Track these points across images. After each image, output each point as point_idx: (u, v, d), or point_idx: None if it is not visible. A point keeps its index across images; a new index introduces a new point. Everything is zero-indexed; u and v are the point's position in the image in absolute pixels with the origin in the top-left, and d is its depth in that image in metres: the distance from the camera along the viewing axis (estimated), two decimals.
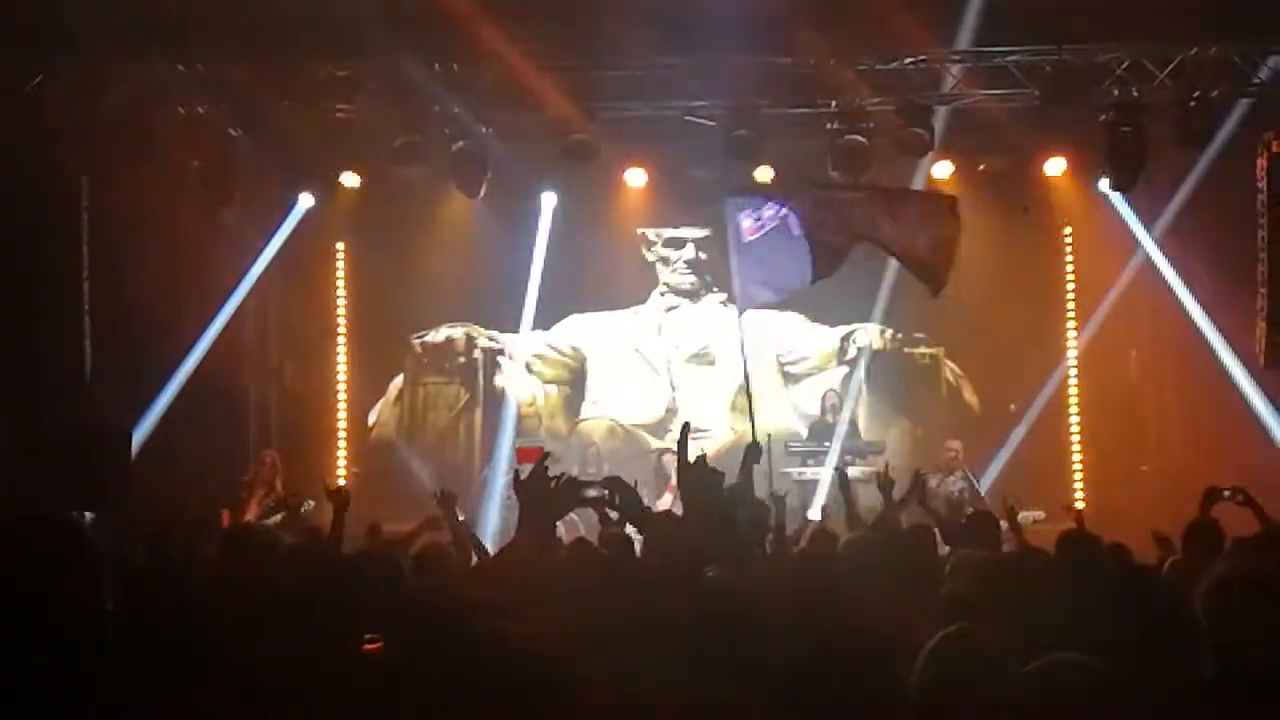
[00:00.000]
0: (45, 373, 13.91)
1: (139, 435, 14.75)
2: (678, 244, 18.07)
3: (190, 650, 4.20)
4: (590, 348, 18.09)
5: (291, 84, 14.39)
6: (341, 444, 17.16)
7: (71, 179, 14.21)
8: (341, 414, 17.42)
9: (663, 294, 18.20)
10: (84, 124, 14.17)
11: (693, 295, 18.19)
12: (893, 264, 16.60)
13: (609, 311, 18.04)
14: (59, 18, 13.13)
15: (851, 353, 17.71)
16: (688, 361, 17.92)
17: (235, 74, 14.11)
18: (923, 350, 17.50)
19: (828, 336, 17.82)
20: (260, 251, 16.46)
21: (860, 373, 17.53)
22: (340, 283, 17.56)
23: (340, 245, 17.48)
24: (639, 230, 17.95)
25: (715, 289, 17.94)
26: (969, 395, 17.16)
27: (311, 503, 14.17)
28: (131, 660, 3.28)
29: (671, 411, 17.49)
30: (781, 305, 17.34)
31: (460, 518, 8.63)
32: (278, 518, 13.84)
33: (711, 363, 17.90)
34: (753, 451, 7.99)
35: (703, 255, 17.97)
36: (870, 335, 17.71)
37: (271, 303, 16.96)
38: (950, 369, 17.33)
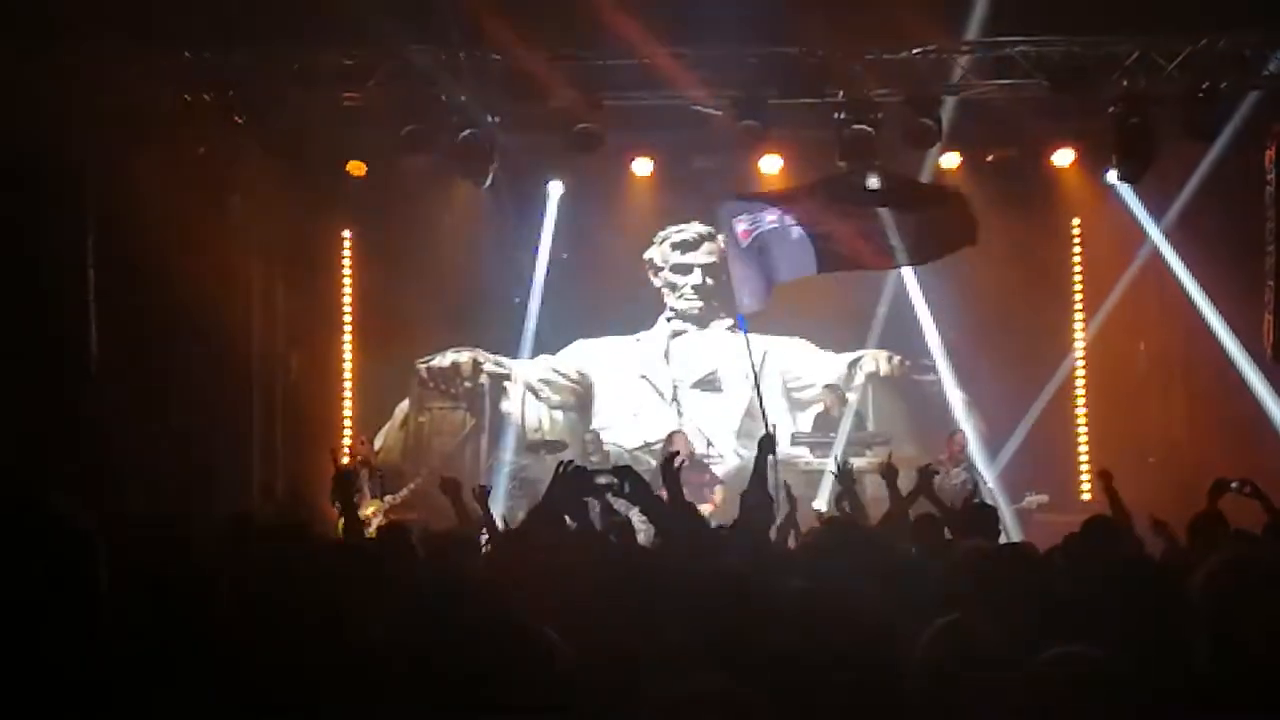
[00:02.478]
0: (50, 362, 13.91)
1: (144, 424, 14.75)
2: (684, 270, 17.98)
3: (191, 638, 4.18)
4: (597, 373, 17.99)
5: (298, 72, 14.39)
6: (347, 434, 17.14)
7: (76, 167, 14.19)
8: (347, 403, 17.41)
9: (669, 319, 18.14)
10: (89, 111, 14.15)
11: (699, 321, 18.11)
12: (890, 286, 16.69)
13: (616, 337, 17.99)
14: (64, 4, 13.11)
15: (859, 379, 17.58)
16: (694, 387, 17.85)
17: (241, 61, 14.10)
18: (930, 378, 17.41)
19: (834, 363, 17.71)
20: (266, 240, 16.45)
21: (868, 399, 17.42)
22: (346, 271, 17.55)
23: (346, 234, 17.47)
24: (645, 256, 17.91)
25: (722, 315, 17.85)
26: (978, 421, 17.01)
27: (419, 479, 14.53)
28: (126, 647, 3.26)
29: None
30: (787, 331, 17.36)
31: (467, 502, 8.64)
32: (395, 497, 14.26)
33: (719, 389, 17.80)
34: (766, 444, 8.03)
35: (709, 281, 17.88)
36: (877, 361, 17.63)
37: (277, 291, 16.93)
38: (959, 395, 17.23)
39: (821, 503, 14.57)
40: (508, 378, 17.75)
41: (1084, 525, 7.15)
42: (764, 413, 10.61)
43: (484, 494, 8.73)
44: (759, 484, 7.87)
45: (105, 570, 2.86)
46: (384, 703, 3.77)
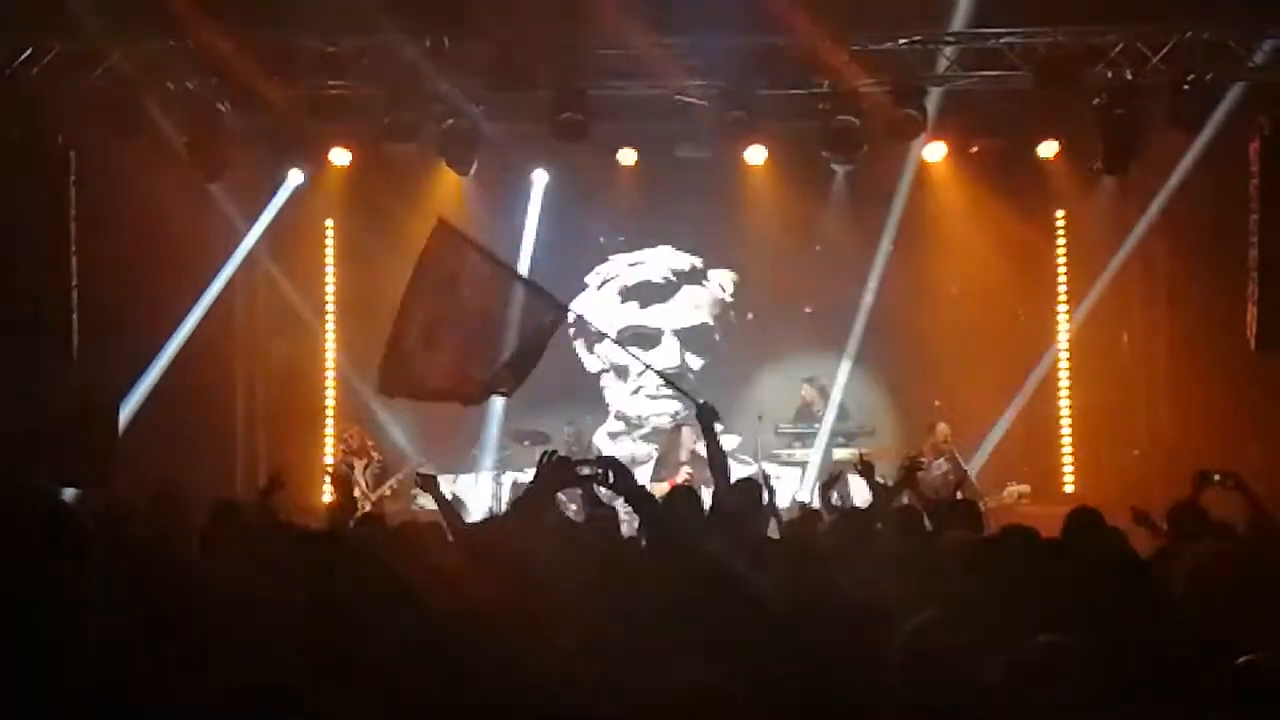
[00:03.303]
0: (33, 349, 13.86)
1: (126, 411, 14.73)
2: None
3: (172, 630, 4.17)
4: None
5: (282, 60, 14.33)
6: (329, 422, 17.10)
7: (60, 154, 14.13)
8: (330, 392, 17.37)
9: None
10: (72, 99, 14.10)
11: None
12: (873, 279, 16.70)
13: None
14: None
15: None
16: None
17: (225, 49, 14.03)
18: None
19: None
20: (249, 228, 16.41)
21: (850, 391, 17.30)
22: (329, 260, 17.51)
23: (329, 222, 17.43)
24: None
25: None
26: (960, 412, 16.78)
27: (404, 471, 14.51)
28: (112, 635, 3.24)
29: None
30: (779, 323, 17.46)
31: (446, 495, 8.61)
32: (388, 487, 14.22)
33: None
34: (707, 413, 7.87)
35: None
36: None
37: (260, 279, 16.89)
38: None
39: (804, 494, 14.58)
40: None
41: (1068, 517, 7.16)
42: (684, 391, 10.53)
43: (432, 482, 8.62)
44: (717, 456, 7.73)
45: (100, 558, 2.84)
46: (371, 692, 3.76)
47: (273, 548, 6.67)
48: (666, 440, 15.87)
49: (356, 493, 14.17)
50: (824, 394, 16.85)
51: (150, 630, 4.04)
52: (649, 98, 15.04)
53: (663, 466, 15.41)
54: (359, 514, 13.26)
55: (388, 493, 14.39)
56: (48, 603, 2.70)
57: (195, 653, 4.01)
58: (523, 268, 17.12)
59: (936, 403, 16.55)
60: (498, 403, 17.36)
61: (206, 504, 8.54)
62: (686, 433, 15.52)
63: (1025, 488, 15.06)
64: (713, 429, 7.72)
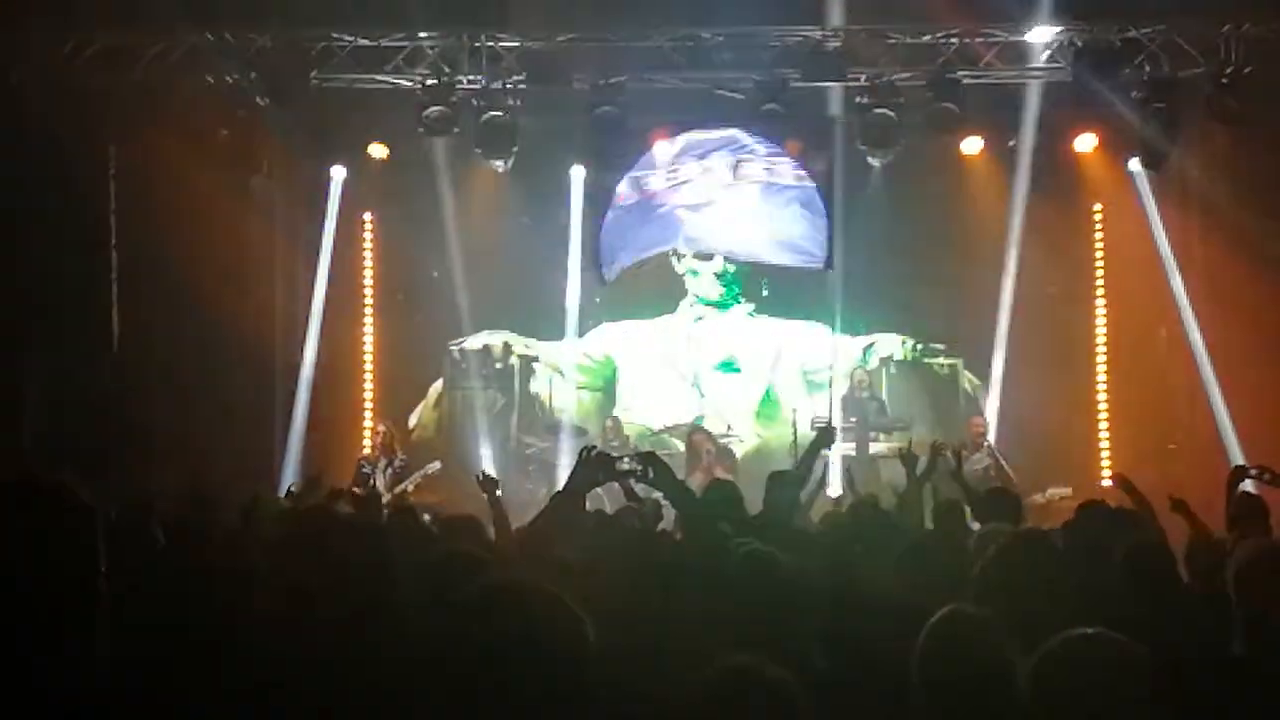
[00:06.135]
0: (73, 342, 13.95)
1: (165, 404, 14.79)
2: (706, 257, 17.97)
3: (195, 621, 4.19)
4: (621, 355, 18.08)
5: (320, 55, 14.40)
6: (368, 415, 17.14)
7: (100, 148, 14.23)
8: (368, 385, 17.41)
9: (691, 305, 18.19)
10: (113, 93, 14.19)
11: (720, 305, 18.18)
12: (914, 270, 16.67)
13: (640, 320, 18.05)
14: None
15: (873, 363, 17.55)
16: (715, 370, 17.89)
17: (263, 44, 14.11)
18: (942, 361, 17.37)
19: (849, 346, 17.60)
20: (287, 222, 16.46)
21: (883, 382, 17.37)
22: (368, 253, 17.55)
23: (368, 216, 17.47)
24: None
25: (742, 299, 17.92)
26: (987, 405, 16.93)
27: (437, 464, 14.39)
28: (126, 627, 3.27)
29: (699, 418, 17.36)
30: (805, 314, 17.41)
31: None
32: (410, 484, 14.15)
33: (738, 370, 17.86)
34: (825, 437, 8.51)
35: (729, 268, 17.95)
36: (891, 346, 17.62)
37: (298, 273, 16.94)
38: (969, 379, 17.21)
39: (835, 488, 14.52)
40: (536, 360, 17.83)
41: (1079, 510, 7.14)
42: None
43: (491, 483, 8.59)
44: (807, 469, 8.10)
45: (104, 546, 2.85)
46: (405, 683, 3.78)
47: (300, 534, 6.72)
48: (687, 445, 15.87)
49: (379, 488, 14.11)
50: (862, 388, 16.76)
51: (175, 627, 4.06)
52: (687, 90, 15.05)
53: (687, 468, 15.39)
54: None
55: (410, 489, 14.28)
56: (58, 595, 2.72)
57: (226, 650, 4.03)
58: (573, 261, 17.11)
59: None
60: (541, 394, 17.47)
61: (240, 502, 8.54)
62: (700, 437, 15.53)
63: (1066, 490, 14.91)
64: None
